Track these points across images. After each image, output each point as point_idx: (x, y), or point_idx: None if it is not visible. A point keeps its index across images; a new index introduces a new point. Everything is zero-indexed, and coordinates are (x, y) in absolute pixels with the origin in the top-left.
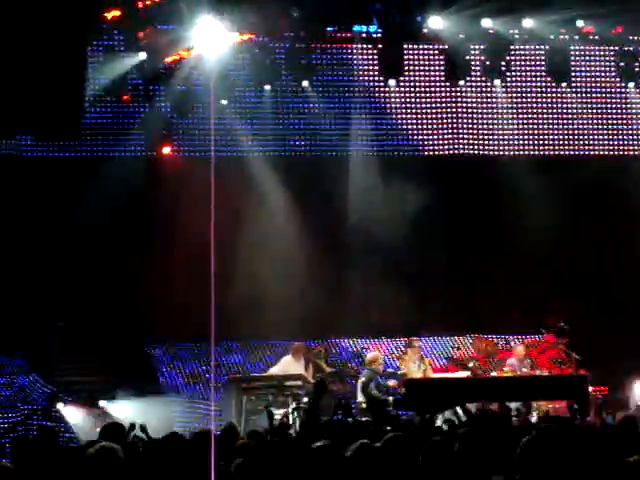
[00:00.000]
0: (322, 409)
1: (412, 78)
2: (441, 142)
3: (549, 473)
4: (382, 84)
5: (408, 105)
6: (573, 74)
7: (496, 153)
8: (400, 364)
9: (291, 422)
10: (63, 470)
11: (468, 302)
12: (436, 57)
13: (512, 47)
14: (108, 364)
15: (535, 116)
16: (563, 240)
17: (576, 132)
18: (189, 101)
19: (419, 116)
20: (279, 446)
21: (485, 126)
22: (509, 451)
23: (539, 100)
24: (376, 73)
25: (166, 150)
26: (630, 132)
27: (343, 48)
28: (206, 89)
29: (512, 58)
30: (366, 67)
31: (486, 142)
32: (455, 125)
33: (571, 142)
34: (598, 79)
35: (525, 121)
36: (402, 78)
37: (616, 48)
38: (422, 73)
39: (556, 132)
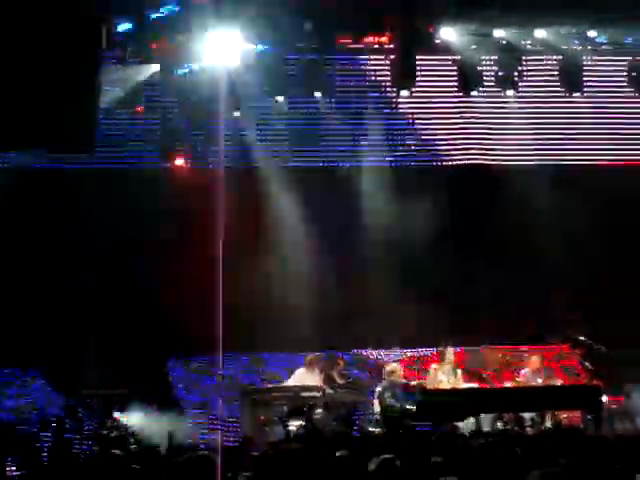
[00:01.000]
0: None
1: (424, 89)
2: (454, 152)
3: None
4: (395, 95)
5: (421, 116)
6: (586, 84)
7: (509, 163)
8: (428, 375)
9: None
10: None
11: (482, 312)
12: (448, 68)
13: (524, 58)
14: (125, 377)
15: (548, 126)
16: (578, 251)
17: (589, 142)
18: (202, 112)
19: (432, 127)
20: (296, 455)
21: (498, 136)
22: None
23: (552, 110)
24: (388, 84)
25: (179, 162)
26: None
27: (356, 59)
28: (218, 100)
29: (525, 69)
30: (378, 78)
31: (499, 152)
32: (468, 135)
33: (585, 152)
34: (611, 89)
35: (538, 131)
36: (414, 89)
37: (629, 58)
38: (434, 84)
39: (569, 142)
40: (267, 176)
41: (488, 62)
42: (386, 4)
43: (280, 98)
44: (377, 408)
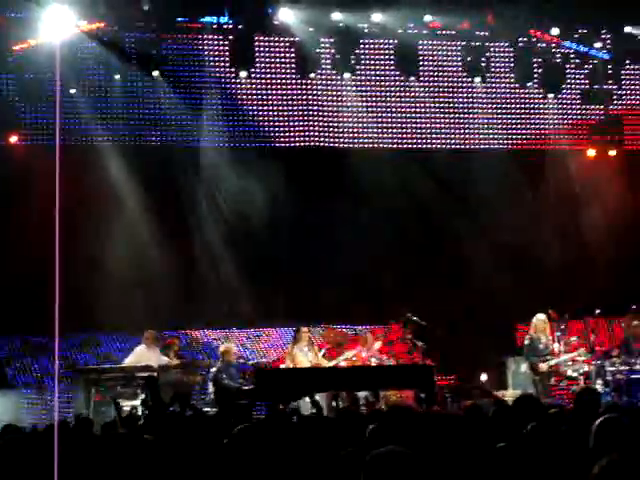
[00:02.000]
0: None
1: (263, 70)
2: (293, 134)
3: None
4: (233, 75)
5: (260, 97)
6: (421, 68)
7: (348, 146)
8: (285, 356)
9: (140, 414)
10: None
11: (315, 292)
12: (287, 49)
13: (362, 41)
14: None
15: (385, 109)
16: (410, 231)
17: (424, 125)
18: (37, 89)
19: (271, 108)
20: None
21: (336, 119)
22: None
23: (389, 93)
24: (227, 64)
25: (13, 139)
26: (475, 126)
27: (194, 38)
28: (54, 77)
29: (362, 52)
30: (217, 58)
31: (338, 134)
32: (307, 117)
33: (420, 135)
34: (445, 73)
35: (376, 114)
36: (253, 70)
37: (463, 43)
38: (273, 65)
39: (405, 125)
40: (106, 155)
41: (326, 45)
42: None
43: (117, 76)
44: (211, 389)
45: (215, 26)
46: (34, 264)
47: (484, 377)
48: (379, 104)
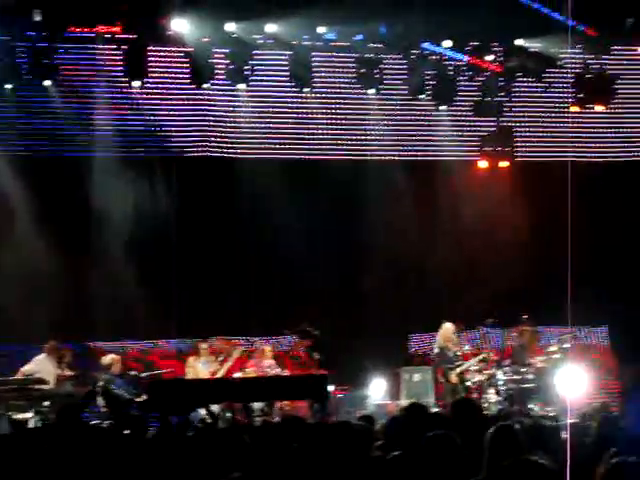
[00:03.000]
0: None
1: (157, 80)
2: (187, 144)
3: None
4: (127, 85)
5: (153, 107)
6: (315, 79)
7: (241, 156)
8: (186, 367)
9: (32, 426)
10: None
11: (214, 304)
12: (180, 60)
13: (256, 52)
14: None
15: (279, 120)
16: (301, 244)
17: (318, 136)
18: None
19: (164, 118)
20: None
21: (230, 129)
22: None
23: (282, 104)
24: (120, 74)
25: None
26: (368, 137)
27: (87, 48)
28: None
29: (256, 62)
30: (110, 68)
31: (231, 145)
32: (200, 127)
33: (313, 146)
34: (339, 85)
35: (270, 125)
36: (146, 80)
37: (356, 55)
38: (167, 75)
39: (299, 136)
40: None
41: (220, 55)
42: None
43: (8, 86)
44: (101, 401)
45: (108, 36)
46: None
47: (379, 388)
48: (273, 115)
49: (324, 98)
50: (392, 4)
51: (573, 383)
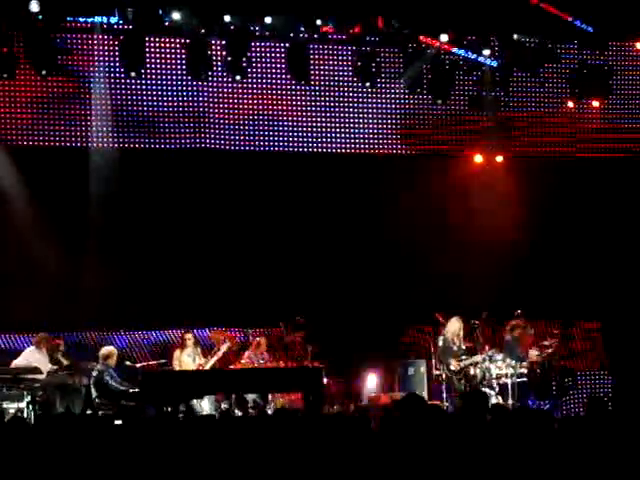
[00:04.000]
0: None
1: (154, 71)
2: (183, 136)
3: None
4: (124, 76)
5: (150, 98)
6: (312, 72)
7: (238, 148)
8: (172, 360)
9: (26, 416)
10: None
11: (202, 294)
12: (178, 51)
13: (253, 44)
14: None
15: (276, 112)
16: (301, 233)
17: (315, 129)
18: None
19: (161, 109)
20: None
21: (227, 121)
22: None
23: (281, 96)
24: (117, 65)
25: None
26: (365, 131)
27: (84, 38)
28: None
29: (253, 54)
30: (107, 58)
31: (229, 137)
32: (197, 119)
33: (310, 139)
34: (336, 78)
35: (267, 117)
36: (143, 71)
37: (354, 48)
38: (164, 66)
39: (297, 129)
40: None
41: (217, 47)
42: None
43: (5, 75)
44: (94, 392)
45: (105, 26)
46: None
47: (373, 380)
48: (270, 107)
49: (320, 90)
50: None
51: (565, 377)
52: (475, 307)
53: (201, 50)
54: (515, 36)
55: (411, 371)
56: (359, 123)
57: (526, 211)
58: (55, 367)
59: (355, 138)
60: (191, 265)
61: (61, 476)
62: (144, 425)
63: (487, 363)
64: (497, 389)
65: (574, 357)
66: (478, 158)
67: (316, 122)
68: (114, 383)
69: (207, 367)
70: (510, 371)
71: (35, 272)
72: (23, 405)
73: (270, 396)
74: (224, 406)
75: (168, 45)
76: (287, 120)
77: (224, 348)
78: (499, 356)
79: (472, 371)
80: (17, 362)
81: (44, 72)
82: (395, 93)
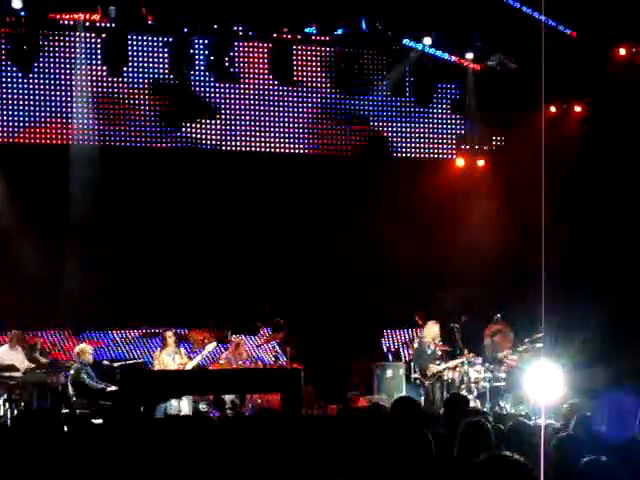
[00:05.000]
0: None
1: (136, 69)
2: (165, 135)
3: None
4: (106, 74)
5: (133, 96)
6: (295, 73)
7: (221, 148)
8: (153, 360)
9: (2, 414)
10: None
11: (187, 295)
12: (161, 49)
13: (237, 44)
14: None
15: (260, 113)
16: (281, 236)
17: (297, 130)
18: None
19: (143, 108)
20: None
21: (210, 120)
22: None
23: (264, 97)
24: (100, 62)
25: None
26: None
27: (67, 35)
28: None
29: (236, 54)
30: (90, 56)
31: (210, 136)
32: (180, 118)
33: (293, 141)
34: (318, 79)
35: (251, 117)
36: (126, 69)
37: (337, 50)
38: (147, 65)
39: (280, 130)
40: None
41: (201, 46)
42: None
43: None
44: (72, 390)
45: (88, 24)
46: None
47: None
48: (253, 107)
49: (303, 92)
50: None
51: (545, 382)
52: (455, 310)
53: (184, 49)
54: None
55: (389, 374)
56: (338, 126)
57: (507, 214)
58: (32, 365)
59: (335, 141)
60: (170, 266)
61: (38, 475)
62: (122, 425)
63: (466, 367)
64: (475, 393)
65: None
66: (460, 162)
67: (299, 123)
68: (91, 381)
69: (190, 366)
70: (489, 375)
71: (15, 271)
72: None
73: (248, 397)
74: (202, 406)
75: (152, 43)
76: (270, 121)
77: (210, 348)
78: (478, 360)
79: (446, 376)
80: None
81: (26, 69)
82: (378, 97)
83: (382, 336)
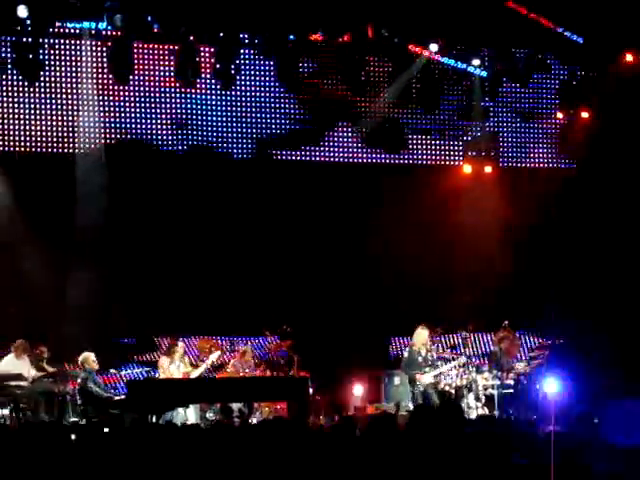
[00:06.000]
0: None
1: (142, 76)
2: (174, 140)
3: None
4: (111, 82)
5: (137, 103)
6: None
7: (237, 157)
8: (159, 369)
9: (9, 423)
10: None
11: (195, 304)
12: (166, 57)
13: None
14: None
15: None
16: (288, 245)
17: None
18: None
19: (149, 114)
20: None
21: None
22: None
23: (267, 104)
24: (105, 70)
25: None
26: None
27: (72, 44)
28: None
29: (242, 62)
30: (95, 64)
31: (214, 141)
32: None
33: (300, 150)
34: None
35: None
36: (132, 76)
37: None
38: (152, 72)
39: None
40: None
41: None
42: None
43: None
44: (79, 399)
45: (93, 32)
46: None
47: (359, 390)
48: (259, 114)
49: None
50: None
51: (554, 389)
52: (462, 318)
53: (190, 56)
54: (505, 46)
55: (397, 381)
56: (346, 133)
57: (514, 221)
58: (40, 374)
59: (341, 149)
60: (178, 275)
61: None
62: (129, 433)
63: (474, 374)
64: (483, 400)
65: None
66: (467, 169)
67: (307, 131)
68: (98, 389)
69: (195, 375)
70: (497, 382)
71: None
72: (6, 412)
73: (255, 405)
74: (209, 415)
75: (156, 52)
76: (277, 127)
77: (214, 357)
78: (485, 367)
79: (442, 384)
80: None
81: (31, 77)
82: (383, 103)
83: (390, 344)
